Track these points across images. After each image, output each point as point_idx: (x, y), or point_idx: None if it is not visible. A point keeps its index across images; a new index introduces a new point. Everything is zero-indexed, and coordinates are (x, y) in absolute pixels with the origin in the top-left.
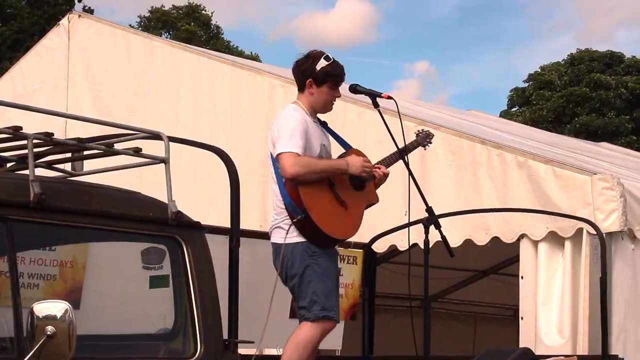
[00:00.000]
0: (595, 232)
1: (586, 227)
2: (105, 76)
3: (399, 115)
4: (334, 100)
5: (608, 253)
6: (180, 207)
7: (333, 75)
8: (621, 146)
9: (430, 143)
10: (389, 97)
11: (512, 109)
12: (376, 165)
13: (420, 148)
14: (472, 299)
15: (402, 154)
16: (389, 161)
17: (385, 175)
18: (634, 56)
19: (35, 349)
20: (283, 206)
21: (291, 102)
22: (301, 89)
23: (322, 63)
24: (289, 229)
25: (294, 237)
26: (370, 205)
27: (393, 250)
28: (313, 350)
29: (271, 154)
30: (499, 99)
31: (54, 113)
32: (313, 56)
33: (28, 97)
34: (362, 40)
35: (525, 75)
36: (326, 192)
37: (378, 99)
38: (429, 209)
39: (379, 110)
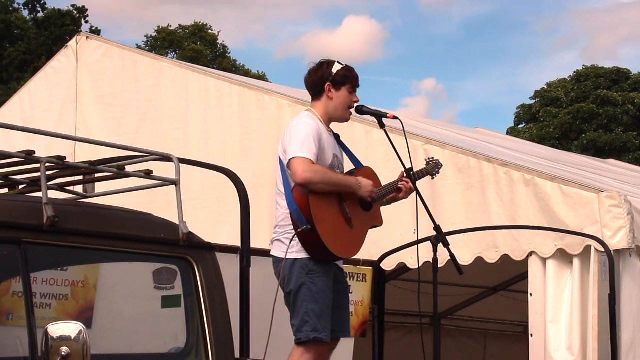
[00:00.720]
0: (603, 250)
1: (594, 244)
2: (113, 97)
3: (405, 136)
4: (352, 106)
5: (616, 270)
6: (190, 226)
7: (350, 78)
8: (629, 162)
9: (438, 173)
10: (395, 117)
11: (519, 126)
12: (404, 179)
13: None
14: (482, 316)
15: (413, 174)
16: (420, 174)
17: (410, 191)
18: None
19: None
20: (286, 216)
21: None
22: (318, 95)
23: (337, 67)
24: (290, 242)
25: (294, 253)
26: (373, 227)
27: (402, 268)
28: None
29: (281, 161)
30: (506, 115)
31: (66, 137)
32: (327, 62)
33: (36, 119)
34: (369, 58)
35: (531, 92)
36: (335, 206)
37: (384, 119)
38: (437, 227)
39: (385, 131)
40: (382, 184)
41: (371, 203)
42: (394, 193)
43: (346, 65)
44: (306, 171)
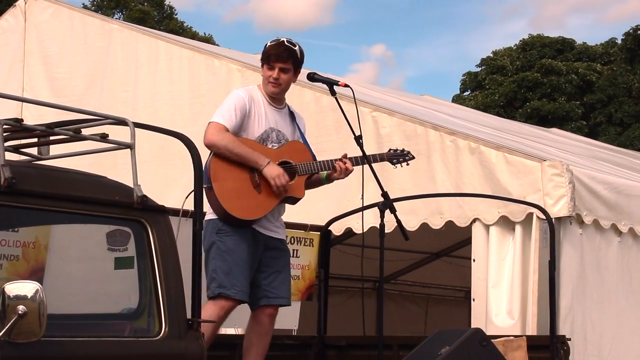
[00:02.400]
0: (544, 217)
1: (536, 212)
2: (61, 58)
3: (355, 104)
4: (272, 81)
5: (557, 237)
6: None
7: (267, 54)
8: (571, 131)
9: (405, 162)
10: (346, 85)
11: (465, 93)
12: (343, 159)
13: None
14: (424, 281)
15: (367, 158)
16: (358, 160)
17: (346, 172)
18: (585, 42)
19: (6, 327)
20: None
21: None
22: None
23: (268, 44)
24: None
25: (209, 214)
26: (295, 200)
27: (347, 233)
28: (213, 327)
29: None
30: (453, 82)
31: (29, 101)
32: (273, 41)
33: None
34: (319, 22)
35: (478, 60)
36: (243, 170)
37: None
38: (385, 194)
39: (336, 98)
40: (325, 158)
41: (295, 173)
42: (329, 171)
43: (274, 42)
44: (213, 134)
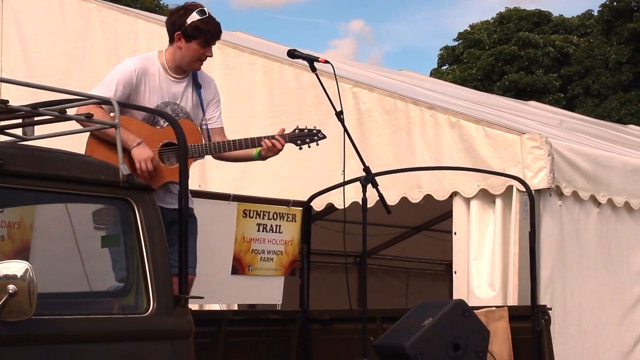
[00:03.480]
0: (524, 189)
1: (516, 184)
2: (39, 38)
3: (336, 80)
4: (204, 59)
5: (537, 209)
6: None
7: (204, 32)
8: (549, 103)
9: (316, 143)
10: (326, 62)
11: (443, 68)
12: (276, 138)
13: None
14: (404, 255)
15: (348, 133)
16: (294, 137)
17: (274, 150)
18: (562, 15)
19: None
20: None
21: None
22: (170, 41)
23: (194, 17)
24: None
25: None
26: (172, 182)
27: (329, 208)
28: None
29: None
30: (431, 57)
31: (17, 82)
32: (186, 8)
33: None
34: None
35: (455, 34)
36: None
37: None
38: (367, 168)
39: (316, 75)
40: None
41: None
42: (256, 148)
43: (207, 16)
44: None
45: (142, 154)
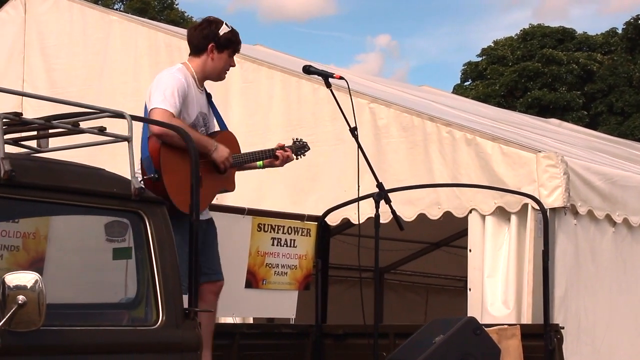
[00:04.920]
0: (539, 208)
1: (531, 202)
2: (60, 50)
3: (350, 96)
4: (228, 69)
5: (551, 228)
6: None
7: (234, 43)
8: (572, 120)
9: (304, 155)
10: (341, 78)
11: (466, 83)
12: (286, 149)
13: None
14: (424, 271)
15: (362, 149)
16: (298, 148)
17: (287, 160)
18: (585, 32)
19: (7, 317)
20: (139, 164)
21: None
22: (199, 52)
23: (225, 29)
24: None
25: None
26: (224, 192)
27: (347, 223)
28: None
29: (146, 106)
30: (456, 72)
31: (29, 95)
32: (215, 22)
33: None
34: (322, 12)
35: (479, 50)
36: (187, 162)
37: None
38: (380, 184)
39: (331, 91)
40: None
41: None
42: (270, 159)
43: (232, 29)
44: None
45: (224, 153)
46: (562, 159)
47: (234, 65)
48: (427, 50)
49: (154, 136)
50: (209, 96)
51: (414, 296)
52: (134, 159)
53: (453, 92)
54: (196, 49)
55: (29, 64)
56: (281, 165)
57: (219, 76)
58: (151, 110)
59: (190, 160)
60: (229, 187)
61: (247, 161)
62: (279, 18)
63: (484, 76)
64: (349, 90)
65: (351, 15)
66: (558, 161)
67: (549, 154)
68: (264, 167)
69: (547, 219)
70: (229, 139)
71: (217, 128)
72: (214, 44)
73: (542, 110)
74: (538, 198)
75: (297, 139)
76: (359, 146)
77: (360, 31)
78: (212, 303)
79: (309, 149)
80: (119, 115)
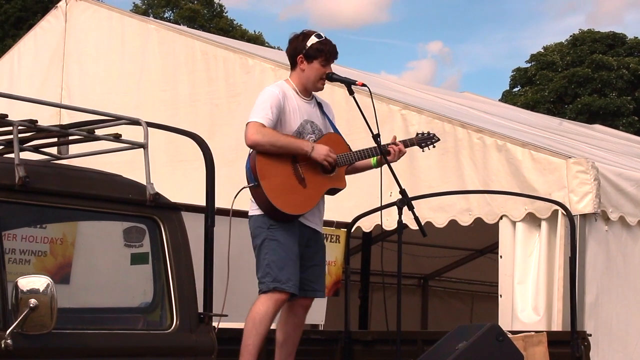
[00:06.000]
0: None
1: (561, 209)
2: (99, 58)
3: (372, 102)
4: (324, 77)
5: (582, 234)
6: (157, 187)
7: (323, 52)
8: (622, 126)
9: (433, 146)
10: (363, 85)
11: (515, 89)
12: (397, 143)
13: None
14: (469, 278)
15: (385, 158)
16: (407, 143)
17: (400, 154)
18: (636, 37)
19: (19, 320)
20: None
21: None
22: (293, 65)
23: (313, 40)
24: (251, 200)
25: (255, 210)
26: (337, 190)
27: (392, 229)
28: (269, 322)
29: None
30: (507, 78)
31: (38, 102)
32: (303, 35)
33: (25, 78)
34: (375, 20)
35: (529, 56)
36: (287, 166)
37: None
38: (403, 191)
39: (354, 98)
40: (358, 149)
41: (330, 166)
42: (378, 156)
43: (324, 38)
44: (253, 134)
45: (322, 151)
46: (593, 165)
47: (330, 72)
48: (479, 56)
49: (250, 147)
50: (321, 105)
51: (459, 303)
52: (149, 165)
53: (502, 99)
54: (291, 62)
55: (68, 72)
56: (395, 160)
57: (314, 85)
58: (246, 125)
59: (206, 165)
60: (340, 184)
61: (356, 159)
62: (331, 25)
63: (533, 82)
64: (371, 97)
65: (403, 23)
66: (588, 167)
67: (579, 160)
68: (378, 165)
69: (575, 225)
70: (334, 140)
71: None
72: (302, 55)
73: (592, 116)
74: (567, 204)
75: (422, 132)
76: (382, 152)
77: (412, 38)
78: (300, 316)
79: (438, 139)
80: (134, 122)
